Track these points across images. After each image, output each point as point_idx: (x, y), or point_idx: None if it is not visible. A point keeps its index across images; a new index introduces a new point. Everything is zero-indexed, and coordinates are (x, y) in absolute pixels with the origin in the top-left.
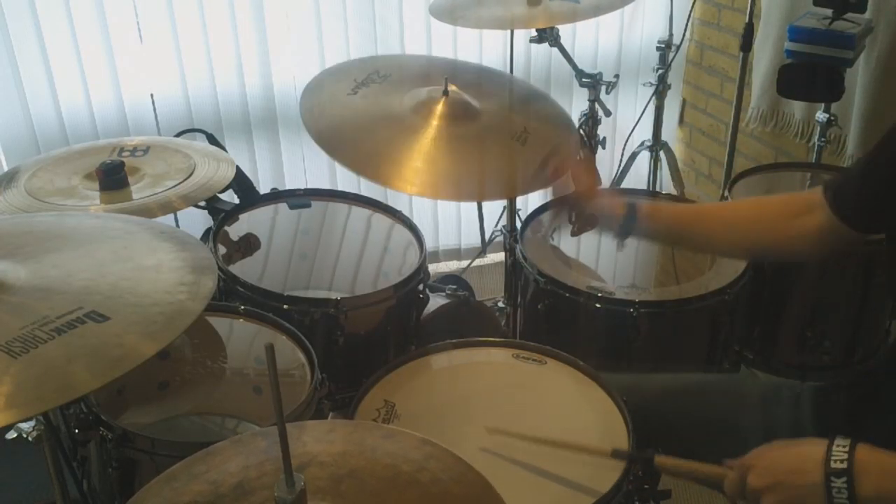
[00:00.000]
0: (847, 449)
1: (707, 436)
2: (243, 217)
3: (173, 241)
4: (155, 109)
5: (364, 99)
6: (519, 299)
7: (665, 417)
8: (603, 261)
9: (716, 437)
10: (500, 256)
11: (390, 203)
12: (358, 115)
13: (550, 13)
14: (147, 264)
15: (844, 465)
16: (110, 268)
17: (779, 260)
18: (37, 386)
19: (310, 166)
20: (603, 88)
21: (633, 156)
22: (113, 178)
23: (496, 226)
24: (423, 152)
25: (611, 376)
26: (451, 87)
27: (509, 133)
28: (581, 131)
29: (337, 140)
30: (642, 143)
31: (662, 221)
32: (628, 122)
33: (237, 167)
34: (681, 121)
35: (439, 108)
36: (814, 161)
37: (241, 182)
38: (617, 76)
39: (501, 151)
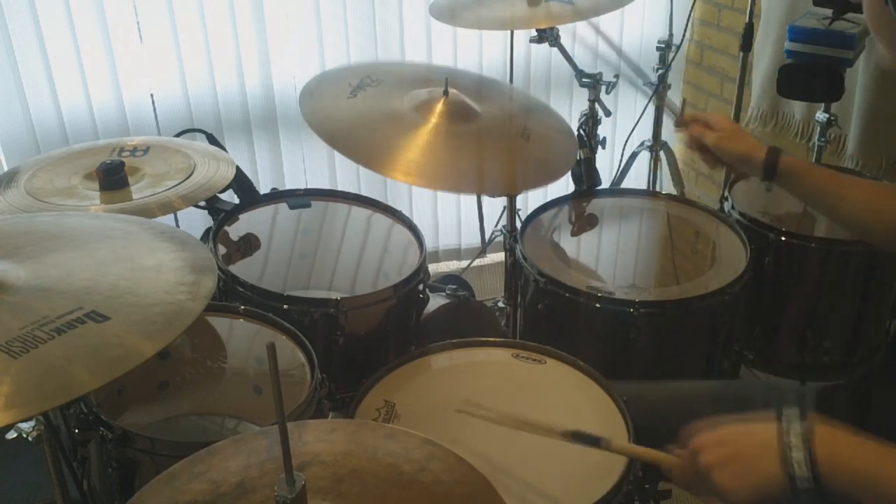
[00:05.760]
0: (798, 416)
1: None
2: (243, 217)
3: (173, 241)
4: (155, 109)
5: (364, 101)
6: (519, 299)
7: (670, 426)
8: (603, 261)
9: None
10: (500, 256)
11: (390, 203)
12: (363, 115)
13: (550, 14)
14: (147, 264)
15: (799, 437)
16: (110, 268)
17: None
18: (37, 386)
19: (310, 166)
20: (603, 88)
21: (633, 156)
22: (113, 178)
23: (496, 226)
24: (424, 145)
25: (614, 384)
26: (451, 90)
27: (512, 130)
28: (581, 131)
29: (346, 139)
30: (642, 143)
31: (801, 180)
32: (628, 121)
33: (237, 167)
34: None
35: (439, 107)
36: (814, 161)
37: (241, 182)
38: (617, 76)
39: (505, 147)
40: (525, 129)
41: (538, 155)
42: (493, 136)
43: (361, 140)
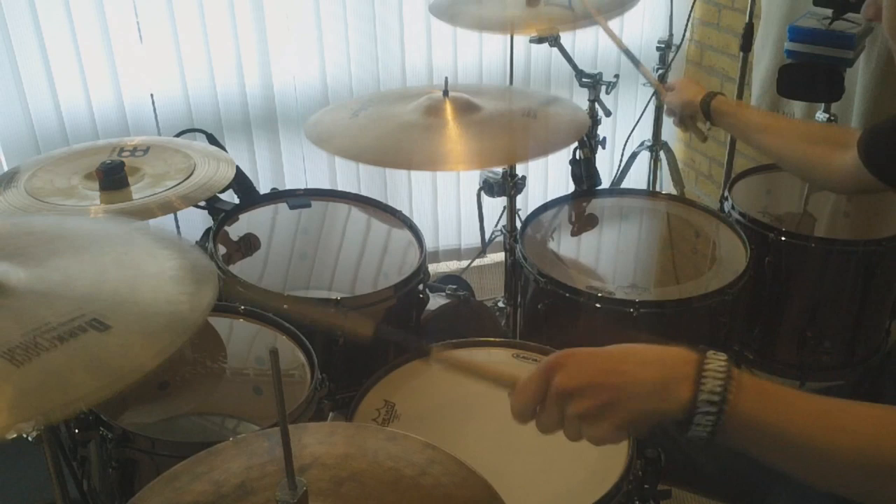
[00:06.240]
0: (725, 362)
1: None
2: (243, 217)
3: (174, 249)
4: (155, 109)
5: (368, 119)
6: (519, 299)
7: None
8: (603, 261)
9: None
10: (500, 256)
11: (390, 203)
12: (373, 128)
13: (550, 16)
14: (149, 272)
15: (721, 382)
16: (111, 274)
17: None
18: (39, 397)
19: (310, 166)
20: (603, 88)
21: (633, 156)
22: (113, 178)
23: (496, 226)
24: (449, 136)
25: None
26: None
27: (518, 112)
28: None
29: (364, 149)
30: (642, 143)
31: (732, 121)
32: (628, 121)
33: (237, 167)
34: None
35: (447, 106)
36: None
37: (241, 182)
38: (617, 76)
39: (516, 124)
40: (531, 110)
41: (549, 125)
42: (503, 118)
43: (381, 146)
